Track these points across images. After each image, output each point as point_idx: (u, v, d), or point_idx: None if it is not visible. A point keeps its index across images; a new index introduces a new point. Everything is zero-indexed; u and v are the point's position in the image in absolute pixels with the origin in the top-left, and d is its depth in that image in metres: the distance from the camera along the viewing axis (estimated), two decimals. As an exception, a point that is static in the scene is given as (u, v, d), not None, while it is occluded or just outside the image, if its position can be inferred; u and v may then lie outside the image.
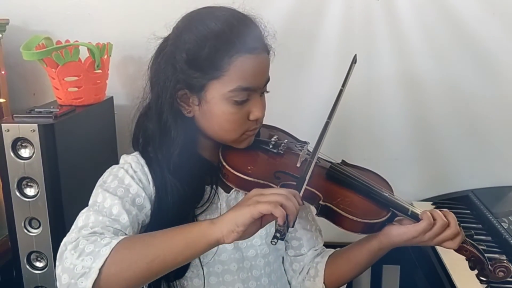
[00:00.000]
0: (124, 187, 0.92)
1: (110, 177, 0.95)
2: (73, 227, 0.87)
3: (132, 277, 0.79)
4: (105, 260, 0.76)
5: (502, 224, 1.39)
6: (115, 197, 0.89)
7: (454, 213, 1.52)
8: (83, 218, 0.87)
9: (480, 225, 1.46)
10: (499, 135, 1.67)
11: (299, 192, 0.87)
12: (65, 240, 0.83)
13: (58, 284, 0.79)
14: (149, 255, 0.79)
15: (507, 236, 1.33)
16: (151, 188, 0.96)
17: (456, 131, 1.68)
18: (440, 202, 1.66)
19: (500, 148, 1.68)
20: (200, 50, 0.91)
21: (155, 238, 0.82)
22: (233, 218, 0.79)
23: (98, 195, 0.91)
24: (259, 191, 0.83)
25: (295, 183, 0.92)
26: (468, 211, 1.57)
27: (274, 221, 0.82)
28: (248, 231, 0.80)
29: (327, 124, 0.99)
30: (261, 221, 0.82)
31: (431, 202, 1.66)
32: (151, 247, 0.80)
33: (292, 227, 0.83)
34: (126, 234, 0.87)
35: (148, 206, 0.94)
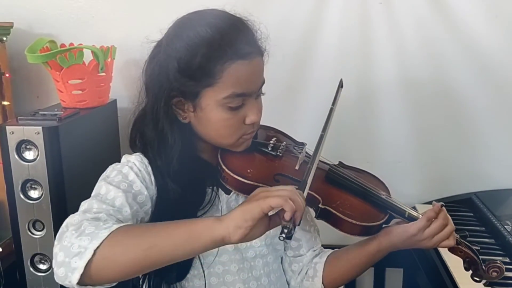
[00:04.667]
0: (127, 182, 0.92)
1: (114, 172, 0.94)
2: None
3: (126, 264, 0.76)
4: (101, 241, 0.74)
5: (506, 226, 1.39)
6: (119, 190, 0.88)
7: (457, 215, 1.56)
8: (85, 206, 0.86)
9: (483, 228, 1.45)
10: (502, 137, 1.67)
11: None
12: (67, 221, 0.81)
13: (54, 262, 0.76)
14: (147, 242, 0.76)
15: (510, 238, 1.32)
16: (153, 189, 0.96)
17: (458, 134, 1.68)
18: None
19: (503, 150, 1.68)
20: (192, 59, 0.90)
21: (156, 226, 0.80)
22: (240, 213, 0.76)
23: (101, 188, 0.90)
24: (265, 188, 0.81)
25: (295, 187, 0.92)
26: (471, 214, 1.57)
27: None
28: (255, 229, 0.77)
29: (321, 138, 0.98)
30: (269, 221, 0.80)
31: (434, 205, 1.66)
32: (151, 234, 0.77)
33: (299, 225, 0.79)
34: None
35: (148, 205, 0.93)
